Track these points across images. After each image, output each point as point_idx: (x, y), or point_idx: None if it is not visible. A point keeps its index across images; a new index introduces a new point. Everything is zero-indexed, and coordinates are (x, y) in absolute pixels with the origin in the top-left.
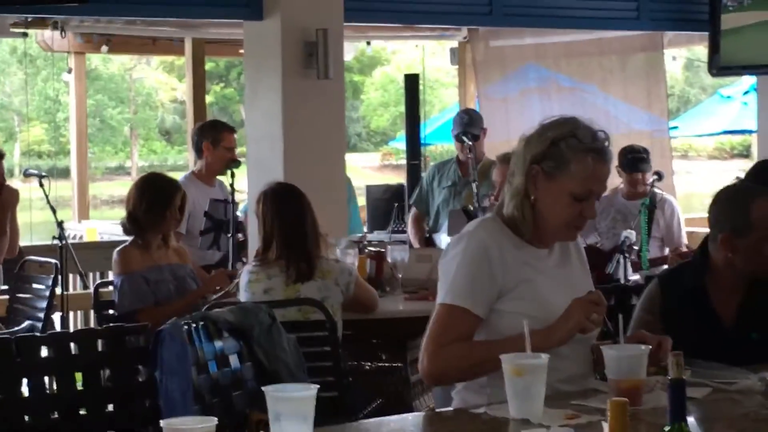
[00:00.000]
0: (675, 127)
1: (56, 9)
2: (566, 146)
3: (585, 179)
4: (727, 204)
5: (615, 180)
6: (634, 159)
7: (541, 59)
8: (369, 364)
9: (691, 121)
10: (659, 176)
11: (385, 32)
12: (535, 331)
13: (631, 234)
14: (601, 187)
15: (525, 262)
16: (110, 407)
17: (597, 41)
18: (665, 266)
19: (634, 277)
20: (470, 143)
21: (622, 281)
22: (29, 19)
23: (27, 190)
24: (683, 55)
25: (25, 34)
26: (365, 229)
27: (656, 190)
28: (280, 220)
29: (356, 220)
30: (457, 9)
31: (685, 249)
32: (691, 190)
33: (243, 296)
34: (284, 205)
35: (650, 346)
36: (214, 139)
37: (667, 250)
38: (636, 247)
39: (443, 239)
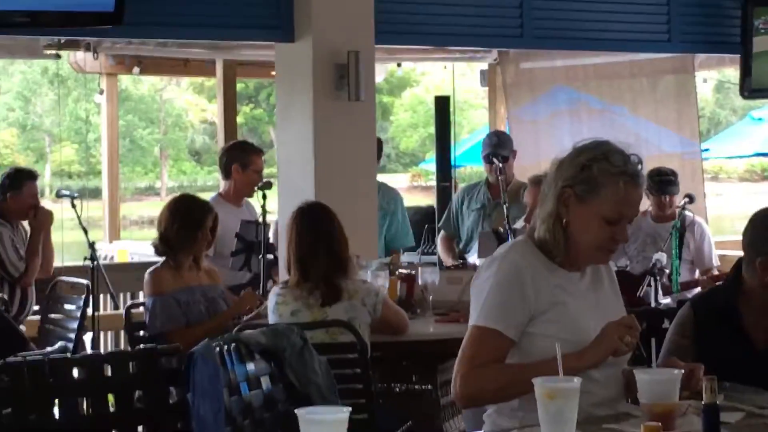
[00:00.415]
0: (706, 149)
1: (90, 31)
2: (598, 170)
3: (617, 203)
4: (764, 227)
5: (643, 203)
6: (662, 182)
7: (571, 81)
8: (399, 386)
9: (722, 143)
10: (690, 199)
11: (415, 54)
12: (569, 353)
13: (662, 257)
14: (634, 211)
15: (557, 285)
16: (142, 429)
17: (627, 63)
18: (697, 289)
19: (666, 300)
20: (500, 165)
21: (653, 305)
22: (62, 41)
23: (58, 211)
24: (714, 77)
25: (58, 56)
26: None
27: (687, 212)
28: (297, 243)
29: (404, 230)
30: (489, 31)
31: (716, 272)
32: (722, 213)
33: (271, 319)
34: (305, 226)
35: (683, 371)
36: (243, 162)
37: (697, 273)
38: (667, 270)
39: (475, 261)
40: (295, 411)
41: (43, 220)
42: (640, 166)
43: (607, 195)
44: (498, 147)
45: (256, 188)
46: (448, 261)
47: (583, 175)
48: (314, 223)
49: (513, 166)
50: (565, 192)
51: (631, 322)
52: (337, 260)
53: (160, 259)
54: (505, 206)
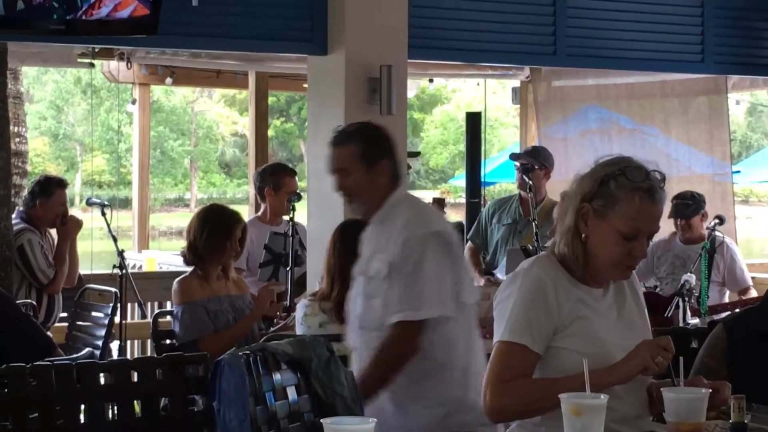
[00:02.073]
0: (737, 172)
1: (124, 40)
2: (615, 185)
3: (632, 218)
4: None
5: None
6: (676, 205)
7: (602, 100)
8: None
9: (753, 166)
10: (721, 220)
11: (447, 70)
12: (599, 369)
13: (691, 278)
14: (651, 227)
15: (579, 299)
16: None
17: (659, 83)
18: (725, 313)
19: (693, 321)
20: (530, 182)
21: (681, 325)
22: (96, 50)
23: (88, 220)
24: (746, 100)
25: (91, 65)
26: None
27: (716, 233)
28: (330, 257)
29: None
30: (522, 48)
31: (755, 292)
32: (752, 236)
33: (299, 330)
34: (340, 242)
35: (710, 390)
36: (275, 184)
37: (727, 295)
38: (696, 292)
39: (503, 277)
40: (321, 421)
41: (71, 228)
42: (662, 184)
43: (622, 210)
44: (529, 155)
45: (286, 201)
46: (474, 274)
47: (601, 189)
48: (349, 240)
49: (544, 184)
50: (584, 207)
51: (666, 343)
52: None
53: (189, 269)
54: (534, 224)
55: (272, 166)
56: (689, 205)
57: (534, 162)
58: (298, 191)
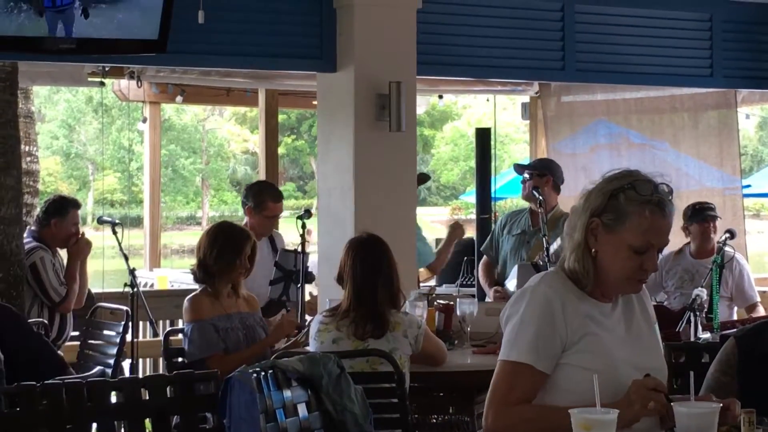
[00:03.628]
0: (748, 185)
1: (134, 59)
2: (625, 199)
3: (643, 232)
4: None
5: (682, 239)
6: (706, 211)
7: (612, 115)
8: (436, 417)
9: (764, 180)
10: (732, 234)
11: (456, 86)
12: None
13: (702, 292)
14: (661, 240)
15: (588, 315)
16: None
17: (669, 98)
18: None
19: (705, 335)
20: (540, 197)
21: (693, 339)
22: (106, 68)
23: (100, 239)
24: (757, 114)
25: (102, 83)
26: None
27: (727, 248)
28: (353, 274)
29: (426, 248)
30: (531, 64)
31: (761, 311)
32: (763, 250)
33: (312, 345)
34: (362, 258)
35: (721, 404)
36: (255, 204)
37: (735, 311)
38: (706, 307)
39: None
40: None
41: (82, 248)
42: (670, 196)
43: (633, 224)
44: (536, 164)
45: (296, 218)
46: (485, 286)
47: (610, 204)
48: (372, 256)
49: (551, 193)
50: (593, 222)
51: (655, 384)
52: (391, 294)
53: (200, 287)
54: (544, 239)
55: (258, 184)
56: (713, 208)
57: (533, 170)
58: (307, 209)
